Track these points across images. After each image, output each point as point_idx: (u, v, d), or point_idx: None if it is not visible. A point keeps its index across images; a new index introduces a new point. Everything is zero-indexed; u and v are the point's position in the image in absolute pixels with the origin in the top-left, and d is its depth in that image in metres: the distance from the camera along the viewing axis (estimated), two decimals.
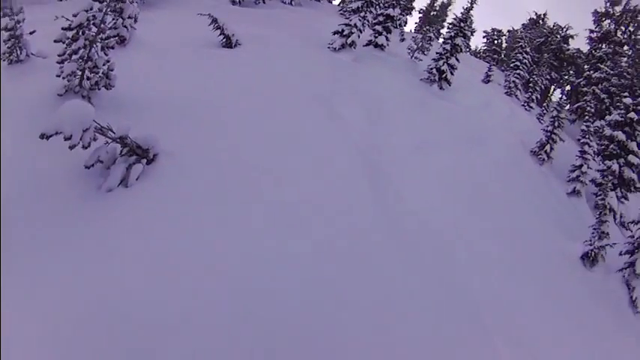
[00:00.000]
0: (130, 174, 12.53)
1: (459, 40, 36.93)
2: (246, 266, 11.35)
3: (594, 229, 22.54)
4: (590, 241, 22.11)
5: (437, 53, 37.13)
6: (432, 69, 36.52)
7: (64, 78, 15.18)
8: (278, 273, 11.60)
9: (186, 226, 11.72)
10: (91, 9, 14.74)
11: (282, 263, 11.88)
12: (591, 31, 62.64)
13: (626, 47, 57.62)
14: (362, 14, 34.48)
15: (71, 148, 10.84)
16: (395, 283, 13.17)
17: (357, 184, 17.02)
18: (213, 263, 11.14)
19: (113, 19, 16.04)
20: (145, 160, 12.84)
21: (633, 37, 59.62)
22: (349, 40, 33.36)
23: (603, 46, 60.74)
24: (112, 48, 15.87)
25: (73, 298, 9.51)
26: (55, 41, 15.09)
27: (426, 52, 42.76)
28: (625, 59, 50.10)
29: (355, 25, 33.65)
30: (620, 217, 30.88)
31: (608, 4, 61.75)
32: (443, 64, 36.17)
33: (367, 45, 39.24)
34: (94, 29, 14.91)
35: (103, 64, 15.43)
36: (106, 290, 9.80)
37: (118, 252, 10.40)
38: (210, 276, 10.79)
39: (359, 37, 34.23)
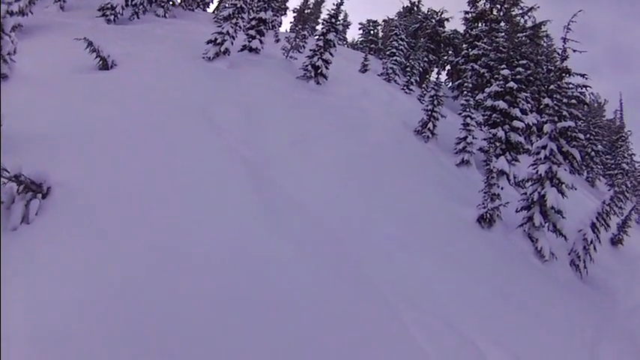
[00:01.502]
0: (29, 210, 12.11)
1: (331, 36, 37.38)
2: (140, 290, 11.08)
3: (485, 192, 23.37)
4: (483, 204, 22.97)
5: (310, 50, 37.64)
6: (307, 66, 36.96)
7: None
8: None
9: (85, 254, 11.76)
10: None
11: (171, 279, 11.64)
12: (466, 12, 64.37)
13: (502, 24, 59.65)
14: (233, 21, 34.44)
15: None
16: (288, 282, 13.16)
17: (239, 190, 17.14)
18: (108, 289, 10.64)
19: None
20: (40, 195, 13.00)
21: (508, 13, 62.02)
22: (223, 48, 33.45)
23: (479, 24, 62.71)
24: None
25: None
26: None
27: (301, 51, 43.23)
28: (501, 34, 52.11)
29: (227, 32, 33.74)
30: (514, 178, 32.43)
31: None
32: (317, 60, 36.64)
33: (242, 50, 39.45)
34: None
35: None
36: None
37: (35, 289, 10.51)
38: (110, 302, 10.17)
39: (232, 43, 34.36)
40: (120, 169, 15.75)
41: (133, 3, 44.49)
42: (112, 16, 41.20)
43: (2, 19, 14.79)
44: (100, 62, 27.13)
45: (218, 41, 33.55)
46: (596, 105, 77.31)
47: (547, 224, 23.02)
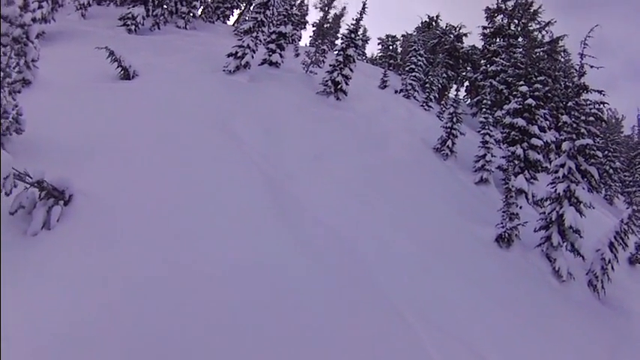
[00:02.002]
0: (51, 217, 12.37)
1: (350, 51, 37.48)
2: (163, 300, 11.23)
3: (503, 212, 23.29)
4: (502, 223, 22.90)
5: (330, 65, 37.68)
6: (327, 81, 37.00)
7: None
8: (199, 297, 11.57)
9: (108, 262, 11.81)
10: None
11: (196, 289, 11.80)
12: (484, 28, 64.81)
13: (520, 39, 59.63)
14: (254, 34, 34.65)
15: None
16: (306, 294, 13.28)
17: (260, 203, 17.11)
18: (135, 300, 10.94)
19: (17, 63, 15.85)
20: (62, 202, 13.05)
21: (526, 28, 62.05)
22: (243, 62, 33.51)
23: (497, 40, 62.90)
24: (19, 92, 15.56)
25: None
26: None
27: (320, 65, 43.27)
28: (519, 50, 52.16)
29: (248, 45, 33.83)
30: (532, 196, 32.25)
31: (499, 0, 64.20)
32: (337, 76, 36.66)
33: (262, 64, 39.49)
34: (1, 74, 14.88)
35: (12, 109, 15.11)
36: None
37: (51, 292, 10.55)
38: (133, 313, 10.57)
39: (253, 57, 34.38)
40: (142, 180, 15.90)
41: (154, 14, 44.96)
42: (133, 26, 41.65)
43: (28, 27, 14.84)
44: (122, 72, 27.32)
45: (239, 54, 33.70)
46: (613, 121, 76.94)
47: (565, 244, 22.91)
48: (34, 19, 15.15)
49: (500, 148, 36.82)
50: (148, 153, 17.81)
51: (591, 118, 25.08)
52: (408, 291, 15.70)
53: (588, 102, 25.74)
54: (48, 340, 9.45)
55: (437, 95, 56.08)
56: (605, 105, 29.24)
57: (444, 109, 47.35)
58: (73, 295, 10.57)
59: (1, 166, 11.10)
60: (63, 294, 10.58)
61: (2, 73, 14.73)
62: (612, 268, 22.45)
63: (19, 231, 12.24)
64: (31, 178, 12.26)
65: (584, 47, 25.51)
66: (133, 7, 42.23)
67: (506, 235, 22.68)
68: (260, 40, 35.51)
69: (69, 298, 10.49)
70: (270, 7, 35.94)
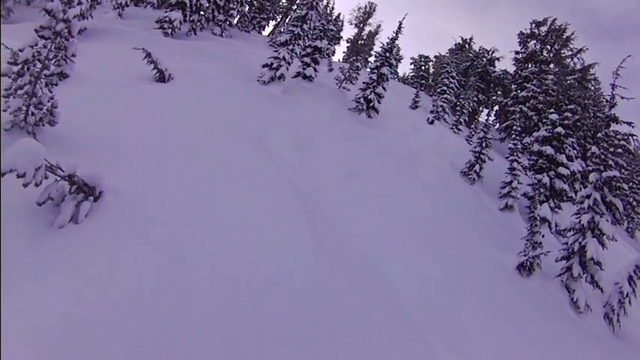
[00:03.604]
0: (80, 211, 12.71)
1: (385, 70, 37.91)
2: (191, 305, 11.45)
3: (527, 240, 23.33)
4: (524, 251, 22.93)
5: (364, 83, 38.04)
6: (359, 98, 37.36)
7: (10, 113, 15.04)
8: (227, 305, 11.84)
9: (134, 261, 11.89)
10: (37, 44, 14.94)
11: (227, 295, 12.10)
12: (517, 53, 64.60)
13: (552, 65, 59.58)
14: (290, 47, 35.02)
15: (25, 185, 10.85)
16: (328, 309, 13.44)
17: (291, 217, 17.16)
18: (160, 299, 11.28)
19: (55, 56, 16.04)
20: (92, 198, 13.03)
21: (558, 54, 61.91)
22: (278, 73, 33.80)
23: (529, 65, 62.60)
24: (56, 85, 15.68)
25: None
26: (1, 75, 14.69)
27: (353, 82, 43.45)
28: (551, 77, 52.01)
29: (284, 57, 34.15)
30: (556, 226, 32.08)
31: (533, 25, 63.89)
32: (370, 94, 37.06)
33: (296, 76, 39.98)
34: (39, 65, 15.09)
35: (48, 101, 15.46)
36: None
37: (72, 288, 10.56)
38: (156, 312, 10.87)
39: (287, 69, 34.65)
40: (172, 182, 16.13)
41: (191, 19, 45.43)
42: (170, 30, 42.12)
43: (70, 23, 15.08)
44: (157, 74, 27.66)
45: (274, 66, 34.11)
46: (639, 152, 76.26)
47: (585, 275, 22.97)
48: (75, 16, 15.31)
49: (527, 174, 36.74)
50: (179, 156, 18.06)
51: (619, 150, 25.01)
52: (429, 312, 15.89)
53: (617, 134, 25.66)
54: (60, 333, 9.60)
55: (467, 119, 55.96)
56: (634, 137, 29.19)
57: (473, 132, 47.88)
58: (91, 291, 10.70)
59: (34, 157, 11.30)
60: (82, 287, 10.72)
61: (41, 65, 15.01)
62: (630, 302, 22.32)
63: (45, 222, 12.40)
64: (62, 171, 12.45)
65: (616, 77, 25.42)
66: (171, 11, 42.81)
67: (528, 263, 22.70)
68: (295, 53, 35.95)
69: (86, 292, 10.62)
70: (308, 22, 36.28)
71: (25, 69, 14.90)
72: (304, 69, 40.66)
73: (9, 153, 11.07)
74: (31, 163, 11.22)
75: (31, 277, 10.51)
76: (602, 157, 23.76)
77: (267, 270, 13.78)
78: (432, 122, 49.13)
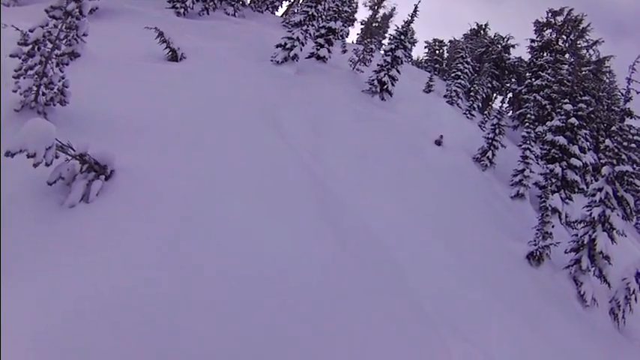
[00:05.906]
0: (91, 190, 12.77)
1: (399, 53, 37.59)
2: (204, 284, 11.42)
3: (537, 230, 23.48)
4: (535, 241, 23.07)
5: (378, 65, 37.75)
6: (373, 80, 37.13)
7: (20, 94, 15.07)
8: (241, 290, 11.75)
9: (145, 240, 11.96)
10: (47, 25, 14.78)
11: (242, 281, 11.98)
12: (532, 41, 63.72)
13: (567, 55, 59.24)
14: (304, 27, 34.82)
15: (35, 165, 11.05)
16: (338, 291, 13.43)
17: (303, 198, 17.14)
18: (173, 278, 11.18)
19: (66, 36, 15.89)
20: (103, 177, 12.98)
21: (574, 45, 61.44)
22: (292, 54, 33.62)
23: (545, 54, 61.98)
24: (67, 64, 15.83)
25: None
26: (10, 56, 14.71)
27: (367, 64, 43.21)
28: (566, 67, 51.78)
29: (298, 38, 33.95)
30: (566, 217, 31.86)
31: (549, 14, 63.20)
32: (384, 76, 36.83)
33: (309, 57, 39.68)
34: (50, 45, 15.02)
35: (58, 81, 15.53)
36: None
37: (85, 267, 10.58)
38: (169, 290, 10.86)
39: (301, 49, 34.49)
40: (184, 162, 16.04)
41: None
42: (182, 9, 41.75)
43: (82, 2, 14.95)
44: (170, 53, 27.62)
45: (287, 46, 33.92)
46: None
47: (593, 268, 22.88)
48: None
49: (538, 164, 36.57)
50: (192, 135, 17.99)
51: (632, 145, 24.88)
52: (440, 298, 15.94)
53: (631, 128, 25.52)
54: (70, 313, 9.58)
55: (480, 104, 55.63)
56: None
57: (486, 118, 47.66)
58: (100, 269, 10.68)
59: (45, 136, 11.28)
60: (92, 266, 10.69)
61: (51, 45, 14.93)
62: (635, 299, 22.24)
63: (55, 202, 12.42)
64: (74, 150, 12.44)
65: (632, 72, 25.27)
66: None
67: (538, 253, 22.76)
68: (310, 34, 35.76)
69: (96, 271, 10.60)
70: (322, 2, 35.98)
71: (36, 49, 14.84)
72: (318, 50, 40.41)
73: (19, 133, 11.09)
74: (41, 142, 11.23)
75: (41, 257, 10.53)
76: (616, 150, 23.62)
77: (279, 255, 13.62)
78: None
